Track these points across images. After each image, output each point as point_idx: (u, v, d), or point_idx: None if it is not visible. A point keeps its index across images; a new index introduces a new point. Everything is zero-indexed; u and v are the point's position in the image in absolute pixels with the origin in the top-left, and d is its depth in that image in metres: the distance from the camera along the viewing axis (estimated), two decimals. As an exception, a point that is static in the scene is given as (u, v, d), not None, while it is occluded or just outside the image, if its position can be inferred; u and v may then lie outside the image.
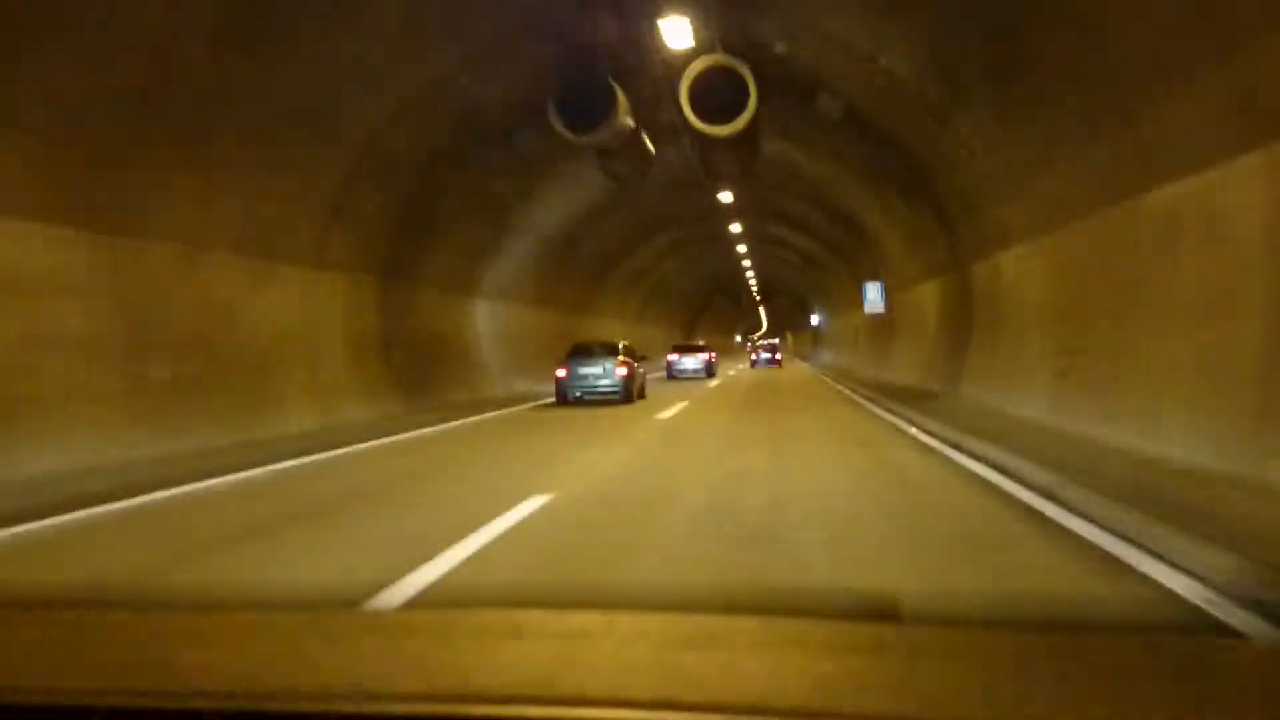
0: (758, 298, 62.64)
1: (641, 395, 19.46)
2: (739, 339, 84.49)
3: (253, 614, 1.43)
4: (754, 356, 45.75)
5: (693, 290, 50.82)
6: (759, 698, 0.97)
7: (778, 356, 44.30)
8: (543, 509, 6.03)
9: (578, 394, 18.09)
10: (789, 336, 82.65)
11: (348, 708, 0.96)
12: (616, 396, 18.07)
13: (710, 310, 60.34)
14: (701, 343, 35.64)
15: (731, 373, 35.44)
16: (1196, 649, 1.30)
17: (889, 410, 13.97)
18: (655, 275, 38.85)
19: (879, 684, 1.02)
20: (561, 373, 18.18)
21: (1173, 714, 0.93)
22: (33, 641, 1.26)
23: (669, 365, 31.77)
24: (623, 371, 18.13)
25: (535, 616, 1.40)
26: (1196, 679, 1.06)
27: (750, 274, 51.64)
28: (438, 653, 1.19)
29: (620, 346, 19.09)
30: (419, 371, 17.16)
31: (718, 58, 12.59)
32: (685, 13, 12.08)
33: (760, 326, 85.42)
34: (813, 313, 52.79)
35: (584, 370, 18.18)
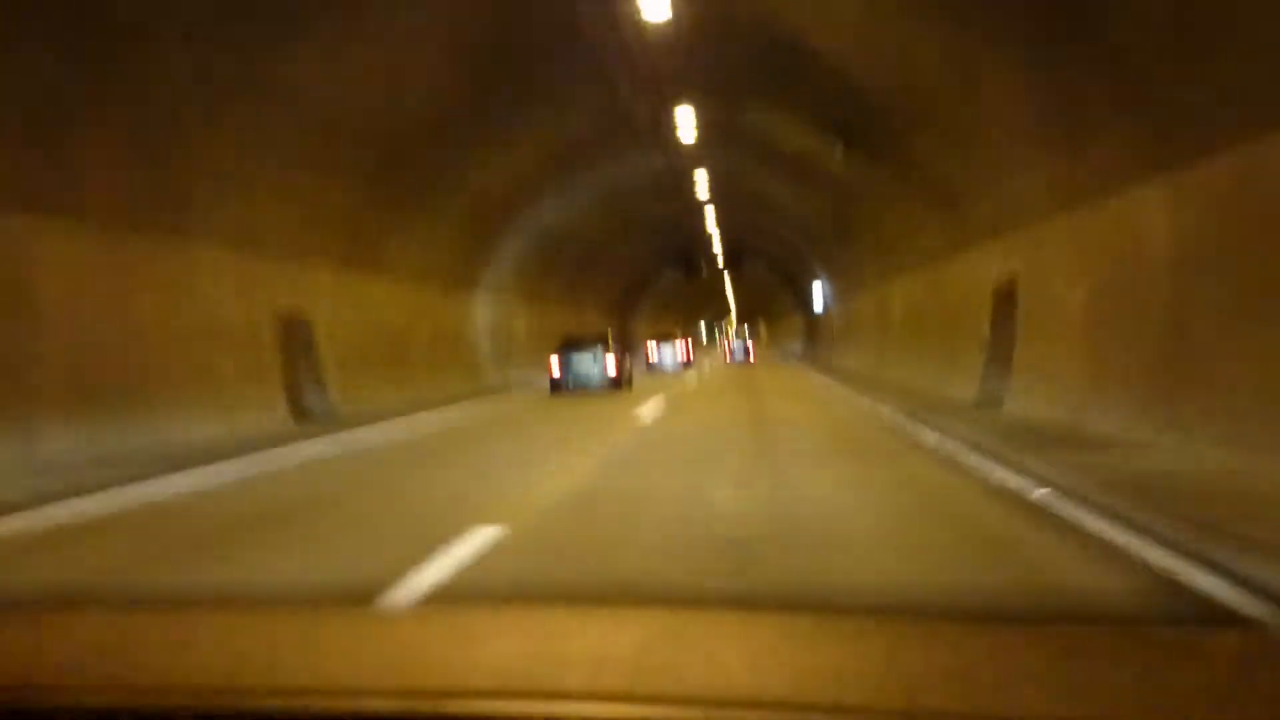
0: (721, 265, 44.16)
1: (630, 384, 20.49)
2: (703, 328, 78.28)
3: (226, 613, 1.40)
4: (731, 351, 43.27)
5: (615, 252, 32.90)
6: (740, 690, 0.97)
7: (750, 352, 42.15)
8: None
9: (570, 384, 18.91)
10: (762, 328, 70.84)
11: (323, 705, 0.94)
12: (608, 385, 19.01)
13: (657, 285, 44.84)
14: (677, 333, 37.13)
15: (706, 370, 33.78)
16: (1177, 638, 1.30)
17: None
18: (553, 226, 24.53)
19: (860, 675, 1.02)
20: (555, 363, 19.07)
21: (1150, 703, 0.93)
22: (4, 642, 1.23)
23: (645, 356, 32.97)
24: (613, 361, 19.11)
25: (514, 612, 1.39)
26: (1177, 668, 1.05)
27: (711, 221, 32.93)
28: (415, 650, 1.17)
29: (608, 337, 20.08)
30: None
31: None
32: None
33: (727, 312, 75.44)
34: (813, 288, 34.25)
35: (577, 361, 19.11)
